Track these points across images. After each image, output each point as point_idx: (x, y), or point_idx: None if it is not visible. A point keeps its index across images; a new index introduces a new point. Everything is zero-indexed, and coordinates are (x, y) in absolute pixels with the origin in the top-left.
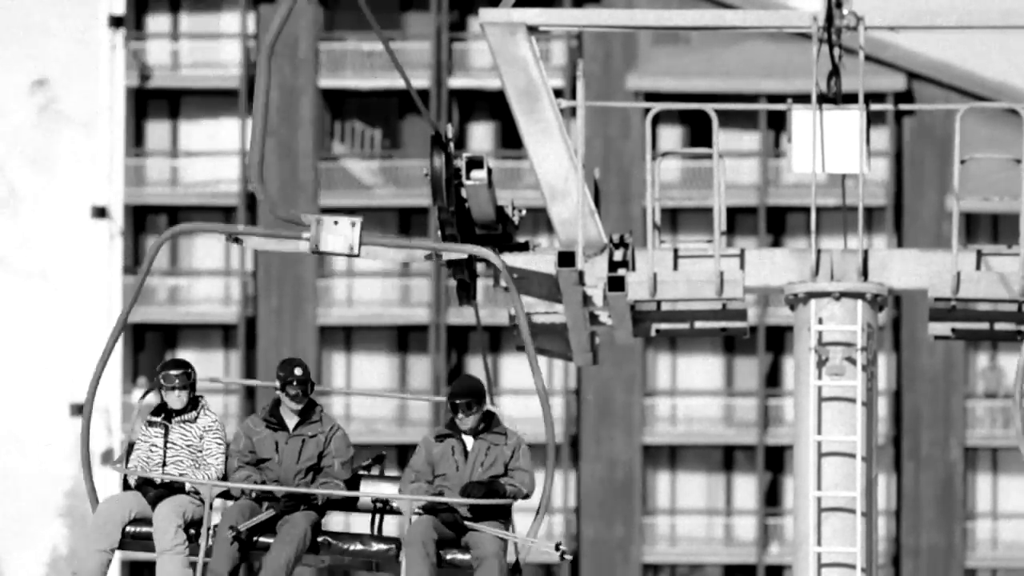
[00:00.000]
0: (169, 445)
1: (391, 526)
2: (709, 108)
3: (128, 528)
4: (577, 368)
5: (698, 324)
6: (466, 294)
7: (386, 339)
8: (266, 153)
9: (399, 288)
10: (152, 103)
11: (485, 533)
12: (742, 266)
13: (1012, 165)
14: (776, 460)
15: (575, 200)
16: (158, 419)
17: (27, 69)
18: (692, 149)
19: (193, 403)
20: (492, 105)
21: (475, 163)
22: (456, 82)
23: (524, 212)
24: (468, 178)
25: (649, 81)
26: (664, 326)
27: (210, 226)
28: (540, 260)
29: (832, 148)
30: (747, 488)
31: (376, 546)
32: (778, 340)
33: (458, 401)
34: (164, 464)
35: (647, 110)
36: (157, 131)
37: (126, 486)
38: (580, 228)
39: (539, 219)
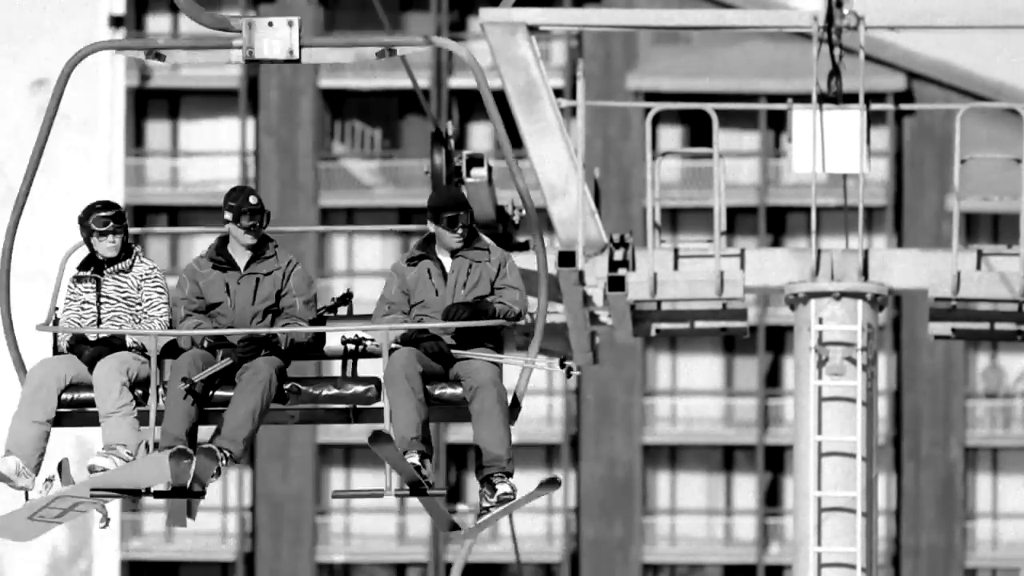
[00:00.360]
0: (103, 299)
1: (368, 370)
2: (709, 108)
3: (65, 395)
4: (577, 368)
5: (698, 324)
6: None
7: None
8: (266, 152)
9: None
10: (152, 103)
11: (476, 360)
12: (742, 266)
13: (1012, 165)
14: (776, 460)
15: (575, 200)
16: (87, 273)
17: (27, 69)
18: (692, 149)
19: (127, 251)
20: None
21: (475, 161)
22: (456, 82)
23: (524, 212)
24: (468, 176)
25: (649, 81)
26: (664, 326)
27: (128, 43)
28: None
29: (832, 148)
30: (747, 488)
31: (352, 388)
32: (778, 340)
33: (447, 215)
34: (99, 322)
35: (647, 110)
36: (157, 131)
37: (56, 351)
38: (580, 228)
39: (539, 219)
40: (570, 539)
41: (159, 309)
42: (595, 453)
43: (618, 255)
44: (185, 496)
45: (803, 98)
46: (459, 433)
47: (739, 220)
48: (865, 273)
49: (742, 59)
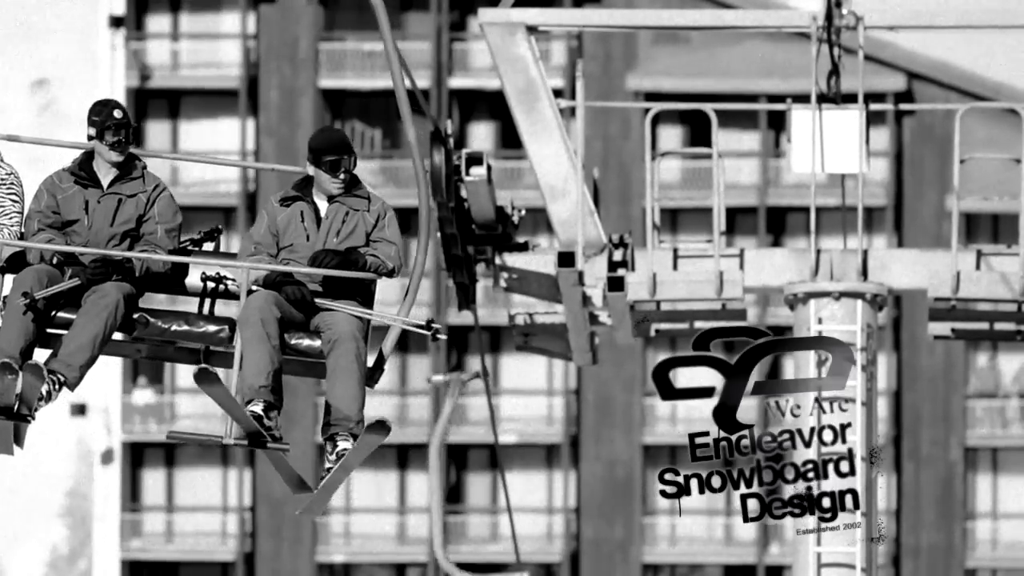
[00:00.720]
0: None
1: (227, 312)
2: (709, 108)
3: None
4: (577, 368)
5: (698, 324)
6: (465, 298)
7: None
8: (266, 152)
9: (399, 288)
10: (152, 103)
11: (339, 312)
12: (742, 266)
13: (1012, 165)
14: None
15: (575, 200)
16: None
17: (27, 69)
18: (692, 149)
19: None
20: (492, 105)
21: (474, 159)
22: (456, 82)
23: (524, 212)
24: (467, 174)
25: (649, 81)
26: (664, 326)
27: None
28: (540, 260)
29: (832, 148)
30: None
31: (205, 326)
32: None
33: (329, 158)
34: None
35: (647, 110)
36: (157, 131)
37: None
38: (580, 228)
39: (539, 219)
40: (570, 539)
41: (10, 217)
42: (595, 453)
43: (617, 255)
44: (10, 419)
45: (803, 98)
46: (459, 433)
47: (739, 220)
48: (865, 273)
49: (742, 59)
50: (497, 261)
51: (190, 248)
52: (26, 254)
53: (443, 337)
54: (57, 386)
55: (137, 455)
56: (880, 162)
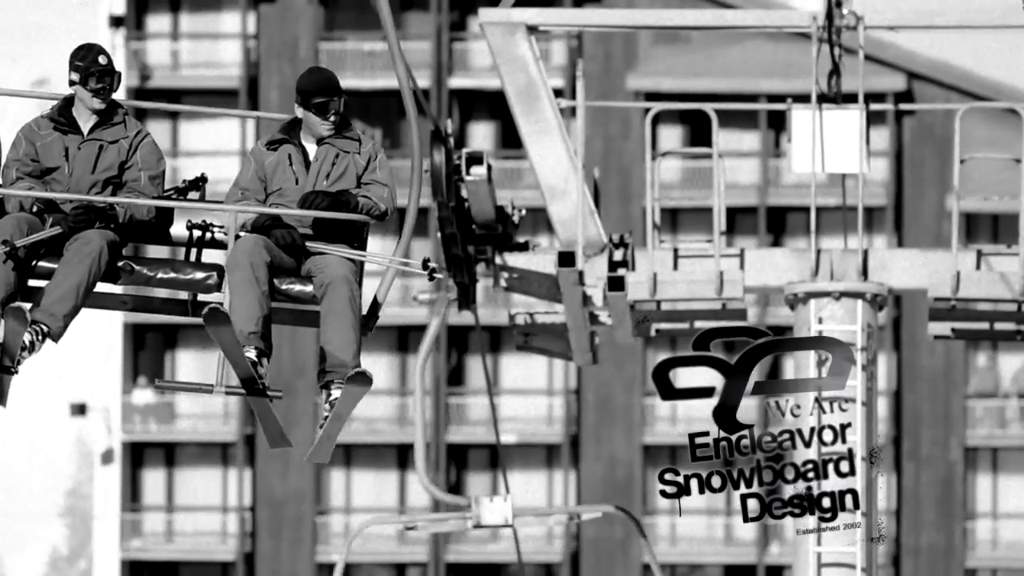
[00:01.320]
0: None
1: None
2: (709, 108)
3: None
4: (577, 368)
5: (698, 324)
6: (465, 298)
7: (386, 339)
8: None
9: (399, 288)
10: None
11: (331, 255)
12: (742, 266)
13: (1012, 165)
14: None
15: (575, 200)
16: None
17: (27, 69)
18: (692, 149)
19: None
20: (492, 105)
21: (475, 159)
22: (456, 82)
23: (524, 212)
24: (468, 174)
25: (649, 81)
26: (664, 326)
27: None
28: (540, 260)
29: (832, 148)
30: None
31: (192, 273)
32: None
33: (318, 99)
34: None
35: (647, 110)
36: (157, 131)
37: None
38: (580, 228)
39: (539, 219)
40: (570, 539)
41: None
42: (595, 453)
43: (618, 255)
44: None
45: (803, 98)
46: (459, 433)
47: (739, 220)
48: (865, 273)
49: (742, 59)
50: (497, 261)
51: (175, 197)
52: (4, 203)
53: (440, 276)
54: (40, 337)
55: (137, 455)
56: (880, 162)
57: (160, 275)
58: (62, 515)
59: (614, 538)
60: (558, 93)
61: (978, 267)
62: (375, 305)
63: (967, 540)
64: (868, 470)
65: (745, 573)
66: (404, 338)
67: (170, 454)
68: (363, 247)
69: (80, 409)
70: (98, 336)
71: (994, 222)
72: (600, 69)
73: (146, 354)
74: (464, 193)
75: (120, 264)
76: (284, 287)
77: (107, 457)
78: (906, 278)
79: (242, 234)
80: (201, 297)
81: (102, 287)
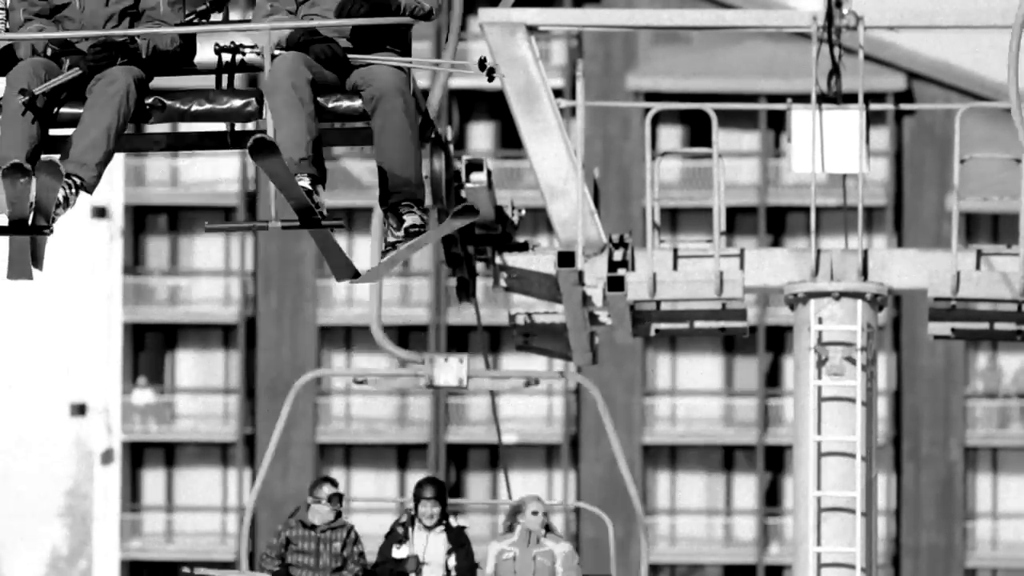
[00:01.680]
0: None
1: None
2: (709, 108)
3: None
4: (577, 368)
5: (698, 324)
6: (465, 292)
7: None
8: None
9: (399, 288)
10: None
11: (378, 65)
12: (742, 266)
13: (1012, 165)
14: (776, 460)
15: (575, 200)
16: None
17: None
18: (692, 149)
19: None
20: (492, 105)
21: (475, 166)
22: (456, 82)
23: (524, 212)
24: (468, 181)
25: (649, 81)
26: (664, 326)
27: None
28: (540, 260)
29: (832, 148)
30: (747, 488)
31: (229, 101)
32: (778, 340)
33: None
34: None
35: (647, 110)
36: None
37: None
38: (580, 228)
39: (539, 219)
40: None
41: None
42: (595, 453)
43: (617, 255)
44: (26, 232)
45: (803, 98)
46: (459, 433)
47: (739, 220)
48: (865, 273)
49: (742, 59)
50: (497, 261)
51: (196, 21)
52: (15, 50)
53: (500, 76)
54: (74, 190)
55: (137, 455)
56: (880, 162)
57: (195, 107)
58: (62, 515)
59: (614, 538)
60: (558, 93)
61: (978, 267)
62: (426, 116)
63: (967, 540)
64: (868, 470)
65: (745, 573)
66: (404, 337)
67: (170, 454)
68: (408, 51)
69: (80, 409)
70: (98, 336)
71: (994, 222)
72: (600, 69)
73: (146, 354)
74: (464, 196)
75: (149, 101)
76: (331, 105)
77: (107, 457)
78: (906, 278)
79: (277, 52)
80: (240, 127)
81: (132, 128)
